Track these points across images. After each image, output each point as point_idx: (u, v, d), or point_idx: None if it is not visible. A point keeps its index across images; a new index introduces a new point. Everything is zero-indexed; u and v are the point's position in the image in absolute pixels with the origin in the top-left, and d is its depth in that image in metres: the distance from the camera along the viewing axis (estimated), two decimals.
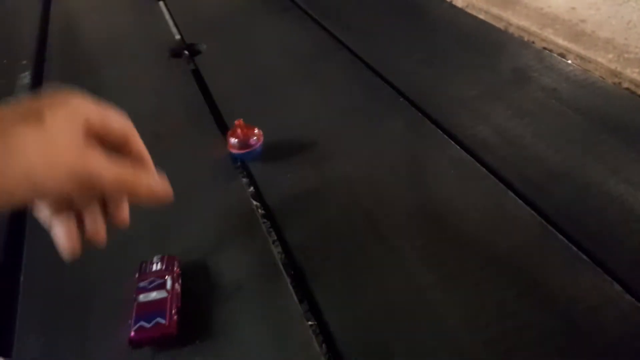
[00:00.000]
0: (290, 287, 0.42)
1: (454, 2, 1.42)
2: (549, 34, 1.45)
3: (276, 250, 0.47)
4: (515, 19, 1.58)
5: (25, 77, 0.81)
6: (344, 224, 0.49)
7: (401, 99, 0.66)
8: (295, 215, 0.50)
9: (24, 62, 0.85)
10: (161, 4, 1.04)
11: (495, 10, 1.63)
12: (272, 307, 0.41)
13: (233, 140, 0.58)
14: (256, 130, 0.59)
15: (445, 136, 0.59)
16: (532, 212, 0.47)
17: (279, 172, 0.57)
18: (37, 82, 0.79)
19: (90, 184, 0.26)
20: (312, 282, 0.43)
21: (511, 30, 1.58)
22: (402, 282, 0.42)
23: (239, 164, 0.59)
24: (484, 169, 0.53)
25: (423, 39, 0.82)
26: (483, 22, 0.90)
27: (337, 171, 0.56)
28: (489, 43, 0.80)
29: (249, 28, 0.90)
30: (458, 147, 0.57)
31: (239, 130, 0.58)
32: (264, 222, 0.50)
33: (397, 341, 0.38)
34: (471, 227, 0.47)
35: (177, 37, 0.90)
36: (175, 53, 0.83)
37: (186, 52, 0.83)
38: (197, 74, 0.77)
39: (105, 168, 0.27)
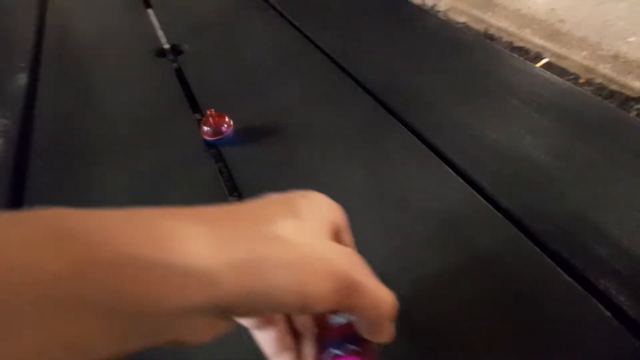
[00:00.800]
0: None
1: (436, 7, 1.47)
2: (526, 34, 1.49)
3: None
4: (494, 21, 1.63)
5: (22, 79, 0.86)
6: None
7: (360, 89, 0.71)
8: (261, 190, 0.54)
9: (22, 65, 0.90)
10: (150, 11, 1.09)
11: (476, 13, 1.68)
12: None
13: (206, 129, 0.62)
14: (227, 119, 0.63)
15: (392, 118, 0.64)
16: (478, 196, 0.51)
17: (248, 154, 0.61)
18: (33, 85, 0.83)
19: (349, 297, 0.20)
20: None
21: (491, 31, 1.62)
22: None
23: (212, 150, 0.63)
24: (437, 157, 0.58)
25: (392, 39, 0.86)
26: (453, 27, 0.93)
27: (300, 152, 0.60)
28: (456, 45, 0.84)
29: (230, 29, 0.94)
30: (409, 133, 0.62)
31: (210, 119, 0.62)
32: (231, 197, 0.54)
33: None
34: (424, 212, 0.51)
35: (163, 39, 0.95)
36: (160, 53, 0.88)
37: (170, 52, 0.88)
38: (179, 71, 0.82)
39: (367, 277, 0.21)
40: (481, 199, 0.50)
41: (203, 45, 0.90)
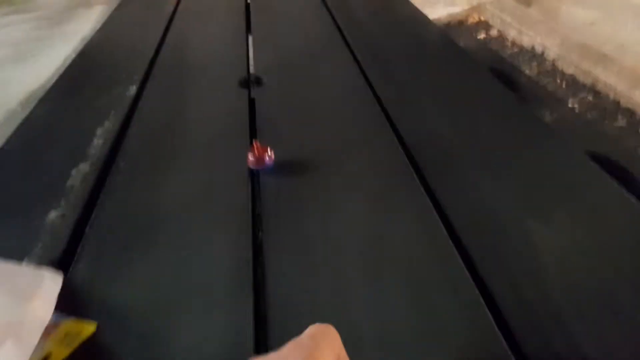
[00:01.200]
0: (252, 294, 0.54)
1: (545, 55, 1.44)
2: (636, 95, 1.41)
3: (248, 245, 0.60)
4: (603, 76, 1.56)
5: (132, 90, 1.04)
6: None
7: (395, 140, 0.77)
8: (278, 220, 0.64)
9: (136, 77, 1.09)
10: (250, 37, 1.25)
11: (585, 65, 1.62)
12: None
13: (251, 158, 0.73)
14: (269, 151, 0.73)
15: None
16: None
17: (281, 187, 0.70)
18: (138, 95, 1.01)
19: None
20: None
21: (598, 87, 1.56)
22: None
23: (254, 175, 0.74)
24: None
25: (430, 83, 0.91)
26: None
27: (324, 192, 0.69)
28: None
29: (308, 65, 1.06)
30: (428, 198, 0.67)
31: (255, 150, 0.73)
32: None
33: None
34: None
35: (251, 66, 1.09)
36: (243, 83, 1.01)
37: (251, 81, 1.01)
38: (252, 101, 0.95)
39: None
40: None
41: (281, 78, 1.01)
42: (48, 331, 0.48)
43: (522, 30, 1.89)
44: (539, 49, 1.89)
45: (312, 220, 0.64)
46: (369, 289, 0.53)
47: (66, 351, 0.47)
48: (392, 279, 0.53)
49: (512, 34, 1.93)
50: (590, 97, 1.59)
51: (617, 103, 1.56)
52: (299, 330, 0.31)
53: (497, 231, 0.59)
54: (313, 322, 0.32)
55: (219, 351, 0.48)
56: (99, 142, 0.86)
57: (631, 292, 0.50)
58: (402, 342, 0.47)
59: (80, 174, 0.78)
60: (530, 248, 0.56)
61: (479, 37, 1.98)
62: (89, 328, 0.50)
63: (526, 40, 1.89)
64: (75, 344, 0.48)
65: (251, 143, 0.74)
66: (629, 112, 1.43)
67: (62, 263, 0.60)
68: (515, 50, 1.95)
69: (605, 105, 1.50)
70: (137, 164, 0.79)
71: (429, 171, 0.71)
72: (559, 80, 1.68)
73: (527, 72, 1.64)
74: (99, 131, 0.89)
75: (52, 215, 0.69)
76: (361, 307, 0.51)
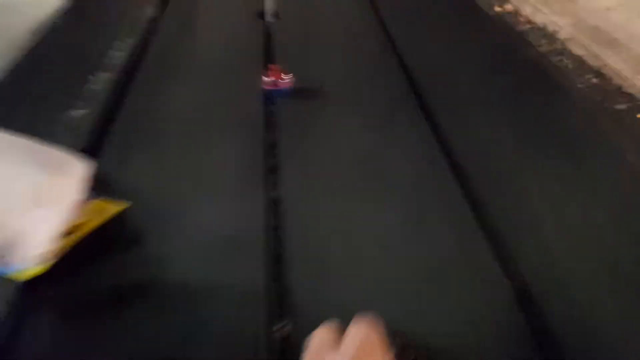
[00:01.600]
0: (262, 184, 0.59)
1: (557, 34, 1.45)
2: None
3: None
4: (611, 61, 1.58)
5: (151, 11, 1.05)
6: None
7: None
8: (288, 133, 0.68)
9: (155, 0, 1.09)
10: None
11: (595, 48, 1.63)
12: None
13: (266, 79, 0.76)
14: (286, 75, 0.76)
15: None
16: None
17: (296, 110, 0.74)
18: (157, 17, 1.02)
19: None
20: None
21: (604, 70, 1.58)
22: None
23: (270, 98, 0.77)
24: None
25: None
26: None
27: (333, 118, 0.73)
28: None
29: (324, 3, 1.08)
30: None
31: (272, 72, 0.76)
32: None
33: None
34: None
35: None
36: (260, 15, 1.03)
37: (269, 15, 1.03)
38: (268, 32, 0.97)
39: None
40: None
41: (297, 14, 1.04)
42: (81, 205, 0.52)
43: (538, 8, 1.90)
44: (551, 28, 1.90)
45: (319, 138, 0.68)
46: (367, 201, 0.58)
47: (97, 222, 0.52)
48: (390, 197, 0.58)
49: (527, 10, 1.94)
50: (595, 79, 1.62)
51: (619, 87, 1.59)
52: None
53: (494, 159, 0.64)
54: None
55: (231, 232, 0.52)
56: (120, 55, 0.88)
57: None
58: (394, 240, 0.53)
59: (103, 80, 0.81)
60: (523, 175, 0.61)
61: (494, 10, 1.99)
62: (119, 206, 0.54)
63: (540, 18, 1.91)
64: (106, 217, 0.52)
65: (266, 67, 0.76)
66: (630, 96, 1.48)
67: (87, 154, 0.64)
68: (528, 27, 1.97)
69: (607, 88, 1.54)
70: (156, 76, 0.83)
71: (431, 102, 0.76)
72: (566, 60, 1.71)
73: (537, 48, 1.67)
74: (120, 46, 0.91)
75: (78, 113, 0.72)
76: (360, 217, 0.56)
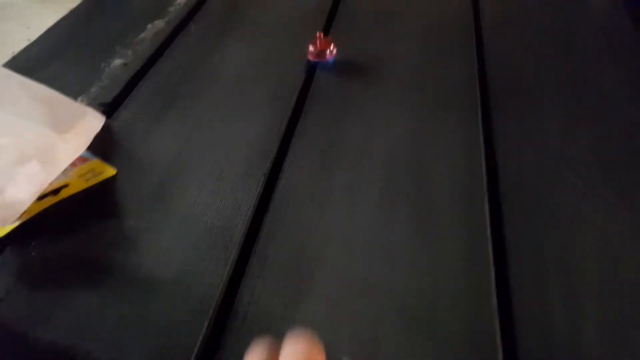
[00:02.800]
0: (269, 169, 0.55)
1: None
2: None
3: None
4: None
5: None
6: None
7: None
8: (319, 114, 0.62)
9: None
10: None
11: None
12: None
13: (312, 49, 0.69)
14: (332, 46, 0.69)
15: None
16: None
17: (336, 85, 0.67)
18: None
19: None
20: None
21: None
22: None
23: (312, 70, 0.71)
24: None
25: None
26: None
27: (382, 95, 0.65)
28: None
29: None
30: None
31: (318, 42, 0.68)
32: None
33: None
34: None
35: None
36: None
37: None
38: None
39: None
40: None
41: None
42: (74, 164, 0.51)
43: None
44: None
45: (350, 124, 0.61)
46: (381, 209, 0.50)
47: (84, 185, 0.51)
48: (406, 210, 0.50)
49: None
50: None
51: None
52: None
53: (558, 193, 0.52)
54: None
55: (220, 223, 0.49)
56: (179, 6, 0.86)
57: None
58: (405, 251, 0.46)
59: (154, 29, 0.80)
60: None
61: None
62: (110, 171, 0.53)
63: None
64: (94, 181, 0.52)
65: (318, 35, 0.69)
66: None
67: (111, 107, 0.64)
68: None
69: None
70: (208, 30, 0.79)
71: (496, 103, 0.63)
72: None
73: None
74: None
75: (116, 62, 0.72)
76: (370, 218, 0.49)
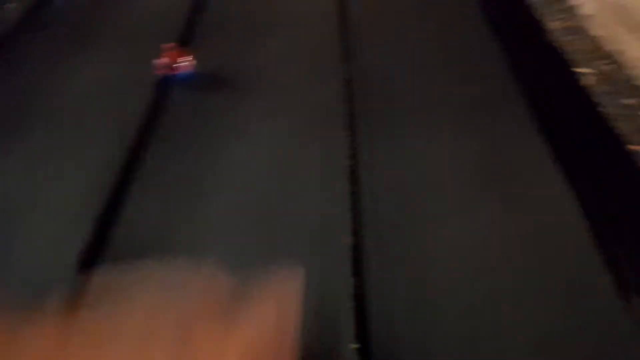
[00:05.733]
0: None
1: None
2: None
3: None
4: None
5: None
6: None
7: None
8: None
9: None
10: None
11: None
12: None
13: (160, 62, 0.60)
14: (187, 58, 0.60)
15: None
16: None
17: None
18: None
19: None
20: None
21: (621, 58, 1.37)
22: None
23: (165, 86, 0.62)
24: None
25: None
26: None
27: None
28: None
29: None
30: None
31: (168, 54, 0.60)
32: None
33: None
34: None
35: None
36: None
37: None
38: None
39: None
40: None
41: None
42: None
43: None
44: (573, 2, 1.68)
45: (201, 153, 0.53)
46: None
47: None
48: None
49: None
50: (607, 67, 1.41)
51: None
52: None
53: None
54: None
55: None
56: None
57: None
58: None
59: None
60: None
61: None
62: None
63: None
64: None
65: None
66: None
67: None
68: None
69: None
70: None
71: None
72: (583, 42, 1.50)
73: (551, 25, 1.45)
74: None
75: None
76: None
